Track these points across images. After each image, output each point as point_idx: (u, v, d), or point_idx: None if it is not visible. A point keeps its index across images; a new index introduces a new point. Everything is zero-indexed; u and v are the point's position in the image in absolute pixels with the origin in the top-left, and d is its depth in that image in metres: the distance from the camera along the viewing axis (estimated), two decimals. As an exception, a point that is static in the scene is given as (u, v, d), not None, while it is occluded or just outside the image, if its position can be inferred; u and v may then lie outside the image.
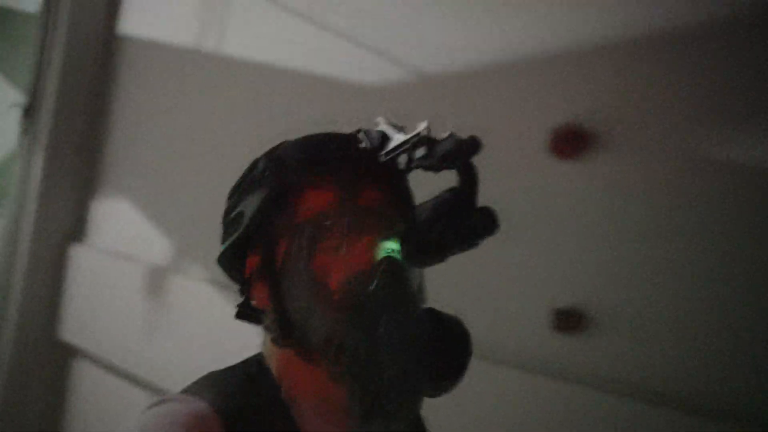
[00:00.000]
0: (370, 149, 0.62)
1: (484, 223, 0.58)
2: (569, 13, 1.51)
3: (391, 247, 0.59)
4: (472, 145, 0.56)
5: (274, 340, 0.65)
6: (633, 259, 1.41)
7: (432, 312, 0.62)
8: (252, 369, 0.65)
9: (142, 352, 2.38)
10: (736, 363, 1.25)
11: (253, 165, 0.68)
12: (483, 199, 0.61)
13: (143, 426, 0.55)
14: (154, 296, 2.38)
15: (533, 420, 1.45)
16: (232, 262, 0.69)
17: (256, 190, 0.65)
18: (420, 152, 0.58)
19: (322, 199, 0.62)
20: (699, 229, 1.31)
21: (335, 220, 0.61)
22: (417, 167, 0.59)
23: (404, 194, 0.66)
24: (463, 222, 0.57)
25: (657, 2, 1.40)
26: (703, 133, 1.36)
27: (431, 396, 0.59)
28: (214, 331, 2.02)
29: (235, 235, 0.65)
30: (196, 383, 0.63)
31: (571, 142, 1.48)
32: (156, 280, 2.39)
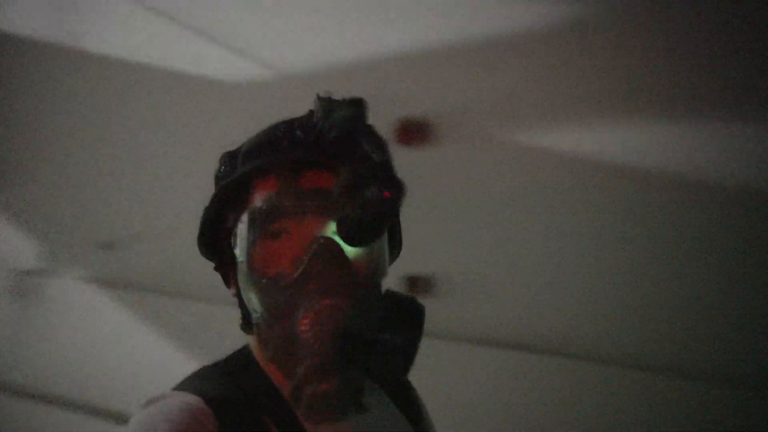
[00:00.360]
0: (316, 128, 0.61)
1: (397, 191, 0.59)
2: (410, 19, 1.73)
3: (326, 228, 0.58)
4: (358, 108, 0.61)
5: (241, 328, 0.67)
6: (474, 230, 1.70)
7: (386, 294, 0.62)
8: (239, 360, 0.65)
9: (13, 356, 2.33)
10: (561, 308, 1.58)
11: (219, 162, 0.69)
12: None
13: (137, 425, 0.55)
14: (22, 300, 2.32)
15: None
16: (212, 255, 0.69)
17: (216, 186, 0.66)
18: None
19: (268, 185, 0.61)
20: (526, 204, 1.62)
21: (275, 205, 0.59)
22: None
23: (357, 172, 0.59)
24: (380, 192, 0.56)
25: (486, 12, 1.64)
26: (527, 123, 1.65)
27: (385, 376, 0.60)
28: (92, 331, 2.03)
29: (199, 231, 0.66)
30: (186, 379, 0.63)
31: (414, 132, 1.71)
32: (23, 284, 2.32)
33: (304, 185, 0.60)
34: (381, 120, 1.70)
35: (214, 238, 0.67)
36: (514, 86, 1.59)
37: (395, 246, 0.71)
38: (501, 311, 1.65)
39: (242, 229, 0.61)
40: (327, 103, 0.63)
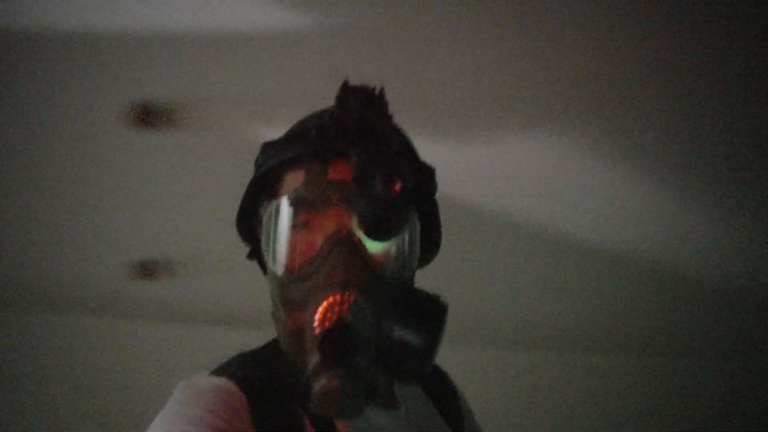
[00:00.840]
0: (347, 114, 0.61)
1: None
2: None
3: (350, 221, 0.57)
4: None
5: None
6: (210, 214, 1.73)
7: (406, 291, 0.60)
8: (275, 347, 0.64)
9: None
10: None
11: (260, 150, 0.67)
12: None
13: (169, 404, 0.55)
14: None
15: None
16: (249, 242, 0.69)
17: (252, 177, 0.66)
18: None
19: (297, 176, 0.60)
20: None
21: (299, 196, 0.59)
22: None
23: (364, 163, 0.56)
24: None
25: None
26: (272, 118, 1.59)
27: (401, 377, 0.58)
28: None
29: (236, 217, 0.67)
30: (222, 365, 0.63)
31: (155, 115, 1.74)
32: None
33: (332, 176, 0.59)
34: (121, 100, 1.70)
35: (250, 226, 0.67)
36: (262, 82, 1.61)
37: (431, 243, 0.68)
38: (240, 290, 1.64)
39: (266, 220, 0.62)
40: (347, 92, 0.63)
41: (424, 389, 0.73)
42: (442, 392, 0.76)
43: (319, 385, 0.49)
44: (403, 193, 0.54)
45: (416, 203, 0.63)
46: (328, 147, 0.60)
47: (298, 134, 0.63)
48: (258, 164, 0.65)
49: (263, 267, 0.67)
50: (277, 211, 0.61)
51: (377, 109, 0.64)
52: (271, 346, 0.65)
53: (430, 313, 0.58)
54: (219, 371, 0.60)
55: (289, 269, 0.59)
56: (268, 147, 0.65)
